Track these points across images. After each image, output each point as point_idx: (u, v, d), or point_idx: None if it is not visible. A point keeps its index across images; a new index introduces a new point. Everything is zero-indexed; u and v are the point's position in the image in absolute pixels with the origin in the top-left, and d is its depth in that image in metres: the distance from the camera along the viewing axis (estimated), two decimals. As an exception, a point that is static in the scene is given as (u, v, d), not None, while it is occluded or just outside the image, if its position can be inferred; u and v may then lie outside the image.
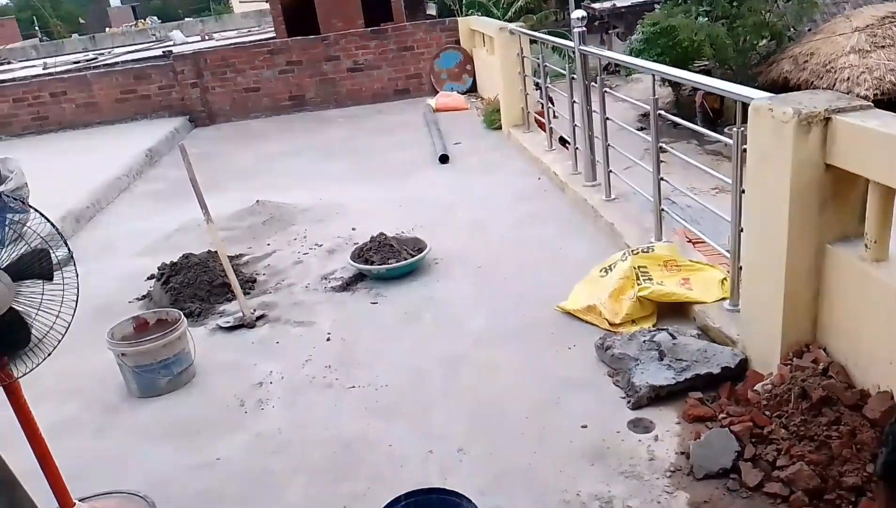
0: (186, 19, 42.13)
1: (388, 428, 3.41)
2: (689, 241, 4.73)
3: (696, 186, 4.41)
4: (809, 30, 13.18)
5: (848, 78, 11.43)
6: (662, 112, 4.64)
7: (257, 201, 6.92)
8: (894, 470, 0.69)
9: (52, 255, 2.56)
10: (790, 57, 12.52)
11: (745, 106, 3.15)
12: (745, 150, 3.27)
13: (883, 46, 11.70)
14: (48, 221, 2.56)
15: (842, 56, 11.76)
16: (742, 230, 3.51)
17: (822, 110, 2.68)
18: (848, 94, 4.85)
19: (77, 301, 2.54)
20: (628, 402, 3.36)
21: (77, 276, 2.59)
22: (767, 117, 2.84)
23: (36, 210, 2.57)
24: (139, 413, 3.81)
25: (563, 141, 7.30)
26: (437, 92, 12.10)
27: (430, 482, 2.63)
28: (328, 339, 4.37)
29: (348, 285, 5.13)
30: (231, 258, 5.55)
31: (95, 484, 3.22)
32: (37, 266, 2.50)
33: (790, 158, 2.68)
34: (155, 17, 44.36)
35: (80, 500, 2.93)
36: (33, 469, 2.70)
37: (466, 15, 15.12)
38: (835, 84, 11.39)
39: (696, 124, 7.14)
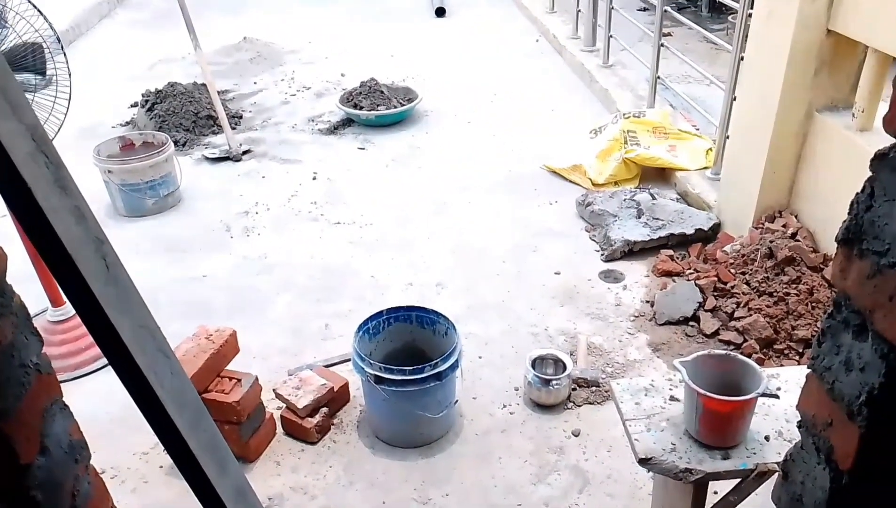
0: None
1: (371, 260, 3.53)
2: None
3: (691, 75, 4.34)
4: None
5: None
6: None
7: (244, 38, 6.70)
8: (851, 235, 0.77)
9: (46, 50, 2.51)
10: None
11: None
12: (749, 15, 3.24)
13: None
14: (40, 13, 2.49)
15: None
16: (735, 99, 3.54)
17: (834, -29, 2.64)
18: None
19: (70, 98, 2.52)
20: (602, 254, 3.50)
21: (70, 74, 2.56)
22: (779, -25, 2.80)
23: (30, 2, 2.49)
24: (126, 230, 3.88)
25: None
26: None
27: (409, 307, 2.78)
28: (314, 178, 4.40)
29: (336, 128, 5.11)
30: (217, 93, 5.44)
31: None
32: (30, 60, 2.46)
33: (795, 16, 2.66)
34: None
35: (71, 300, 3.04)
36: (28, 270, 2.77)
37: None
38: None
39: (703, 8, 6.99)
